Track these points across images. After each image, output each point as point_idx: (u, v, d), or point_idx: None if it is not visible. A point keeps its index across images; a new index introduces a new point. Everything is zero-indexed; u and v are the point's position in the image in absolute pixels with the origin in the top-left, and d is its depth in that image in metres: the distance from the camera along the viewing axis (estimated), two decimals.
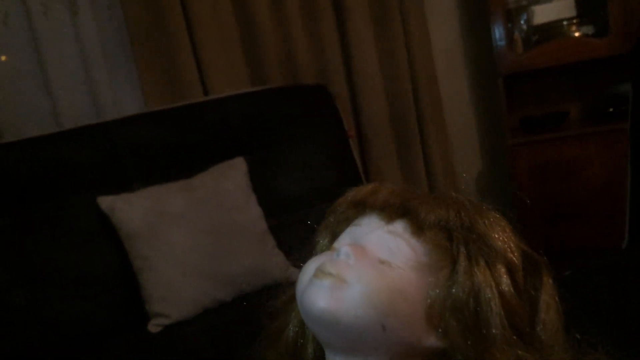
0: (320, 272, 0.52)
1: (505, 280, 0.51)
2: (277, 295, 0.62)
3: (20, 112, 1.90)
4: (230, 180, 1.70)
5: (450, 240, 0.53)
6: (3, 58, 1.92)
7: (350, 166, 1.97)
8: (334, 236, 0.59)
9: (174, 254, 1.55)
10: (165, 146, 1.76)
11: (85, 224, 1.61)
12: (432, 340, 0.51)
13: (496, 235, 0.53)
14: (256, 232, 1.67)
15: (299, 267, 0.57)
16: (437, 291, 0.51)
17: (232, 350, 1.33)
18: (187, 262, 1.55)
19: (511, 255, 0.53)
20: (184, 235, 1.57)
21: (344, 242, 0.56)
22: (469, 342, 0.50)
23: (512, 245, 0.54)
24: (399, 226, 0.55)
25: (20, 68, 1.93)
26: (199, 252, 1.57)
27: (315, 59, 2.22)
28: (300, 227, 1.72)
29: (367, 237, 0.55)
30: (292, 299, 0.58)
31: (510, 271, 0.52)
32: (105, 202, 1.59)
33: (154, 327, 1.50)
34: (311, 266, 0.53)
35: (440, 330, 0.51)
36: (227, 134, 1.83)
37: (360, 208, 0.58)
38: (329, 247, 0.59)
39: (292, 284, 0.60)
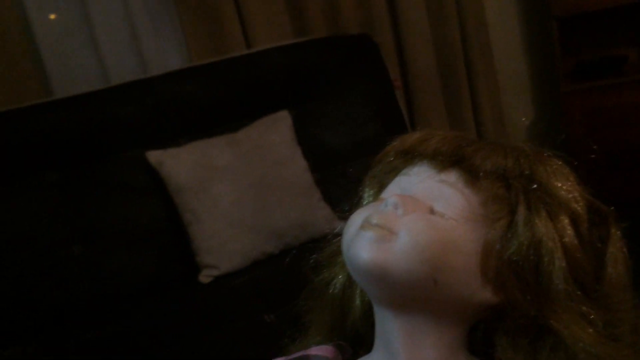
0: (367, 224, 0.49)
1: (569, 231, 0.49)
2: (323, 248, 0.61)
3: (69, 69, 1.95)
4: (275, 134, 1.71)
5: (508, 190, 0.50)
6: (52, 17, 1.96)
7: (396, 118, 1.94)
8: (381, 187, 0.56)
9: (221, 207, 1.58)
10: (210, 100, 1.77)
11: (134, 179, 1.66)
12: (487, 295, 0.49)
13: (559, 184, 0.50)
14: (301, 185, 1.68)
15: (345, 220, 0.55)
16: (494, 244, 0.49)
17: (279, 301, 1.37)
18: (234, 215, 1.58)
19: (575, 205, 0.50)
20: (230, 189, 1.60)
21: (391, 193, 0.53)
22: (528, 298, 0.47)
23: (576, 194, 0.50)
24: (452, 175, 0.51)
25: (68, 26, 1.97)
26: (245, 205, 1.60)
27: (358, 7, 2.17)
28: (346, 179, 1.73)
29: (416, 187, 0.52)
30: (339, 251, 0.56)
31: (575, 222, 0.49)
32: (154, 157, 1.63)
33: (204, 277, 1.56)
34: (358, 218, 0.51)
35: (496, 284, 0.49)
36: (271, 87, 1.83)
37: (409, 157, 0.55)
38: (375, 198, 0.57)
39: (337, 236, 0.59)
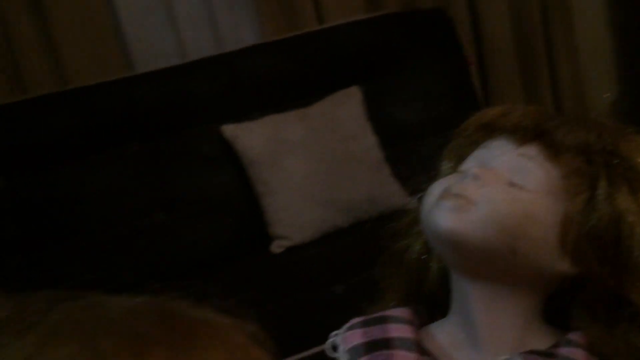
0: (446, 194, 0.51)
1: None
2: (397, 219, 0.63)
3: (149, 45, 2.03)
4: (345, 109, 1.73)
5: (590, 164, 0.51)
6: None
7: (469, 95, 1.91)
8: (460, 160, 0.57)
9: (293, 180, 1.62)
10: (282, 75, 1.81)
11: (211, 152, 1.72)
12: (565, 266, 0.50)
13: None
14: (371, 160, 1.70)
15: (416, 196, 0.58)
16: (573, 217, 0.49)
17: (348, 273, 1.40)
18: (306, 188, 1.62)
19: None
20: (302, 163, 1.64)
21: (471, 165, 0.54)
22: (606, 270, 0.48)
23: None
24: (532, 149, 0.52)
25: (149, 4, 2.04)
26: (316, 179, 1.63)
27: None
28: (416, 156, 1.73)
29: (496, 160, 0.53)
30: (415, 220, 0.58)
31: None
32: (229, 130, 1.68)
33: (276, 248, 1.61)
34: (437, 188, 0.53)
35: (574, 256, 0.49)
36: (342, 62, 1.84)
37: (489, 131, 0.56)
38: (454, 170, 0.58)
39: (409, 211, 0.61)
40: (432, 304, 0.58)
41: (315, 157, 1.66)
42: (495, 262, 0.50)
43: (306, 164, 1.65)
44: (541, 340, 0.51)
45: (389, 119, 1.83)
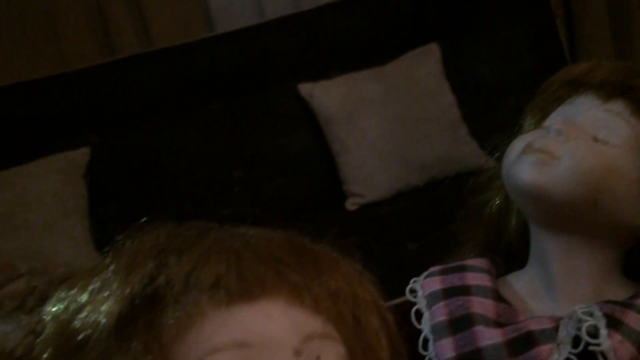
0: (529, 149, 0.52)
1: None
2: (478, 175, 0.64)
3: (229, 5, 2.07)
4: (423, 67, 1.71)
5: None
6: None
7: (554, 50, 1.84)
8: (544, 116, 0.57)
9: (368, 138, 1.64)
10: (359, 33, 1.81)
11: (287, 110, 1.76)
12: None
13: None
14: (448, 119, 1.69)
15: (495, 153, 0.59)
16: None
17: (422, 231, 1.42)
18: (381, 147, 1.64)
19: None
20: (378, 121, 1.65)
21: (555, 121, 0.54)
22: None
23: None
24: (618, 105, 0.53)
25: None
26: (392, 137, 1.64)
27: None
28: (496, 115, 1.69)
29: (580, 115, 0.53)
30: (496, 175, 0.59)
31: None
32: (305, 89, 1.71)
33: (350, 205, 1.65)
34: (519, 143, 0.53)
35: None
36: (421, 18, 1.81)
37: (575, 87, 0.56)
38: (537, 126, 0.58)
39: (489, 166, 0.62)
40: (509, 257, 0.59)
41: (391, 116, 1.66)
42: (576, 215, 0.51)
43: (382, 123, 1.66)
44: (618, 292, 0.52)
45: (468, 76, 1.80)
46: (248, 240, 0.37)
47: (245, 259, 0.35)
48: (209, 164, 1.71)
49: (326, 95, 1.69)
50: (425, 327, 0.53)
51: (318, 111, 1.69)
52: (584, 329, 0.47)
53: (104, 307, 0.34)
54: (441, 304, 0.54)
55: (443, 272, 0.57)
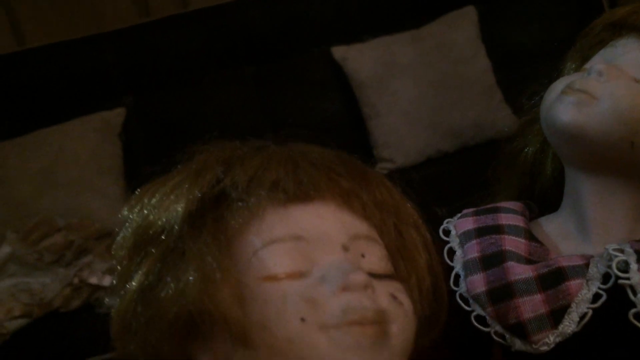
0: (569, 89, 0.52)
1: None
2: (520, 118, 0.64)
3: None
4: (458, 31, 1.69)
5: None
6: None
7: (595, 15, 1.78)
8: (585, 60, 0.57)
9: (400, 103, 1.63)
10: None
11: (320, 74, 1.76)
12: None
13: None
14: (482, 84, 1.66)
15: (532, 102, 0.59)
16: None
17: (452, 197, 1.41)
18: (412, 112, 1.63)
19: None
20: (411, 86, 1.64)
21: (596, 62, 0.54)
22: None
23: None
24: None
25: None
26: (424, 102, 1.63)
27: None
28: (532, 81, 1.66)
29: (622, 57, 0.53)
30: (534, 120, 0.60)
31: None
32: (339, 52, 1.71)
33: (380, 170, 1.65)
34: (559, 85, 0.53)
35: None
36: None
37: (617, 29, 0.55)
38: (577, 70, 0.58)
39: (527, 111, 0.62)
40: (543, 204, 0.60)
41: (424, 81, 1.65)
42: (612, 156, 0.51)
43: (415, 88, 1.64)
44: None
45: (505, 41, 1.76)
46: (304, 151, 0.42)
47: (302, 166, 0.40)
48: (241, 127, 1.73)
49: (359, 59, 1.68)
50: (458, 264, 0.54)
51: (351, 75, 1.69)
52: (614, 265, 0.47)
53: (176, 205, 0.39)
54: (474, 242, 0.55)
55: (476, 214, 0.58)
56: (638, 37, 0.54)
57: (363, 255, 0.39)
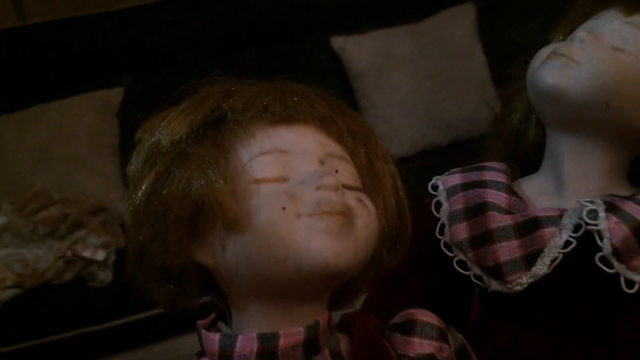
0: (553, 54, 0.57)
1: None
2: (508, 85, 0.70)
3: None
4: (457, 27, 1.72)
5: None
6: None
7: None
8: (571, 32, 0.62)
9: (397, 95, 1.67)
10: None
11: (318, 62, 1.79)
12: None
13: None
14: (478, 80, 1.70)
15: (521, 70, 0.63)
16: None
17: None
18: (408, 104, 1.66)
19: None
20: (408, 78, 1.67)
21: (579, 31, 0.59)
22: None
23: None
24: (638, 17, 0.58)
25: None
26: (421, 95, 1.66)
27: None
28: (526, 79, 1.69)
29: (603, 27, 0.58)
30: (520, 89, 0.65)
31: None
32: (337, 42, 1.74)
33: None
34: (545, 51, 0.58)
35: None
36: None
37: (600, 3, 0.61)
38: (564, 40, 0.63)
39: (512, 83, 0.67)
40: (525, 166, 0.65)
41: (421, 74, 1.68)
42: (590, 116, 0.56)
43: (411, 80, 1.68)
44: (621, 193, 0.57)
45: (503, 38, 1.79)
46: (292, 85, 0.50)
47: (288, 94, 0.48)
48: None
49: (358, 49, 1.71)
50: (444, 216, 0.60)
51: (348, 65, 1.72)
52: (584, 213, 0.53)
53: (182, 125, 0.46)
54: (459, 195, 0.60)
55: (463, 171, 0.63)
56: (618, 9, 0.59)
57: (337, 171, 0.46)
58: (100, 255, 1.38)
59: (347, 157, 0.48)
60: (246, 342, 0.44)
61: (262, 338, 0.44)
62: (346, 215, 0.43)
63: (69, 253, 1.36)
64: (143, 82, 1.78)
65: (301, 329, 0.44)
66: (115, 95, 1.74)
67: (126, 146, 1.72)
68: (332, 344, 0.47)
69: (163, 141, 0.46)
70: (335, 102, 0.50)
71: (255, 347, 0.43)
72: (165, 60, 1.79)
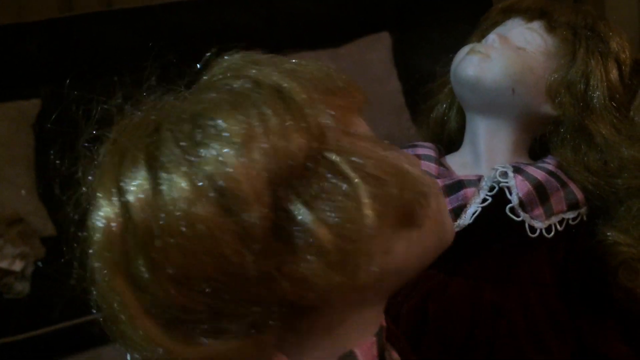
0: (472, 51, 0.74)
1: (613, 70, 0.73)
2: (436, 80, 0.85)
3: None
4: (373, 53, 1.89)
5: (575, 37, 0.75)
6: None
7: None
8: (484, 36, 0.79)
9: None
10: (318, 15, 1.96)
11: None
12: (548, 109, 0.74)
13: (616, 39, 0.74)
14: (393, 105, 1.86)
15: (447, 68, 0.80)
16: (559, 71, 0.73)
17: None
18: None
19: (623, 55, 0.74)
20: None
21: (491, 34, 0.77)
22: (576, 110, 0.72)
23: (625, 49, 0.75)
24: (536, 24, 0.76)
25: None
26: None
27: None
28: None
29: (509, 32, 0.76)
30: (444, 83, 0.82)
31: (619, 66, 0.74)
32: None
33: None
34: (466, 48, 0.75)
35: (555, 101, 0.73)
36: (376, 7, 1.97)
37: (507, 13, 0.79)
38: (478, 42, 0.80)
39: (438, 77, 0.84)
40: (449, 146, 0.82)
41: None
42: (500, 100, 0.73)
43: None
44: (526, 162, 0.75)
45: (416, 67, 1.97)
46: (285, 61, 0.47)
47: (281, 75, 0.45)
48: None
49: None
50: None
51: None
52: (497, 173, 0.70)
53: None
54: None
55: (400, 148, 0.78)
56: (521, 18, 0.78)
57: None
58: (17, 266, 1.38)
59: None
60: None
61: None
62: None
63: None
64: (61, 94, 1.80)
65: (373, 338, 0.45)
66: (31, 106, 1.76)
67: (41, 158, 1.73)
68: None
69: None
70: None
71: None
72: (85, 72, 1.82)
